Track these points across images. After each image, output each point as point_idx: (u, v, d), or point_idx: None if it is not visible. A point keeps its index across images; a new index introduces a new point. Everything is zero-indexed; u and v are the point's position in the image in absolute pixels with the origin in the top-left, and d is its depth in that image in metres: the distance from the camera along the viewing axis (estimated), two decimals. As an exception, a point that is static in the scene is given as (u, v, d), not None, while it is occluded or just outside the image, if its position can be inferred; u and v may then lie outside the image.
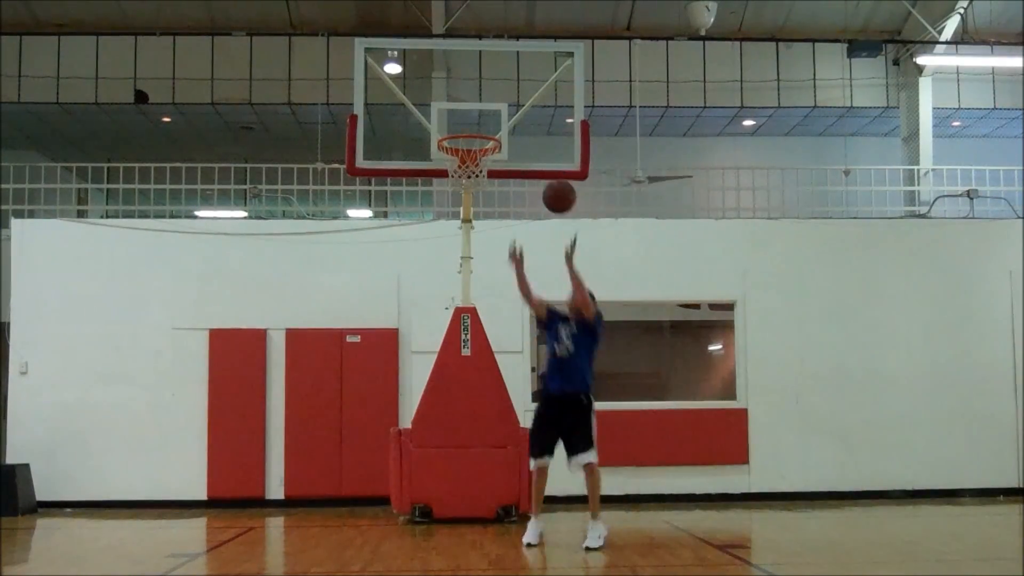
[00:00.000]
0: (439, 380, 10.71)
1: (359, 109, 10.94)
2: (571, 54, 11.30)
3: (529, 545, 8.54)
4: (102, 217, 15.51)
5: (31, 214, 13.84)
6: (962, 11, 16.79)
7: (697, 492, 12.78)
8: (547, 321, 8.99)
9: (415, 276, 12.92)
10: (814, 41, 18.19)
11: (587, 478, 8.55)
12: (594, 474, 8.53)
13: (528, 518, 8.86)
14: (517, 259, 8.87)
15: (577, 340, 8.71)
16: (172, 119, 18.64)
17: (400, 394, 12.77)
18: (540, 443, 8.69)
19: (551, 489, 11.19)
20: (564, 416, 8.60)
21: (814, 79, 18.30)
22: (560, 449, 8.67)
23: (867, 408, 13.14)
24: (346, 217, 15.54)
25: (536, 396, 13.40)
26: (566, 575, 8.11)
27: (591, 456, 8.50)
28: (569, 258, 8.58)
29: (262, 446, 12.72)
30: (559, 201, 9.48)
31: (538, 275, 12.95)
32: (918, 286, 13.52)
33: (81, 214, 15.75)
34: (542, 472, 8.72)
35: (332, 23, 17.98)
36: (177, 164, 15.18)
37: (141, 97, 17.67)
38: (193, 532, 10.86)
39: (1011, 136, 18.80)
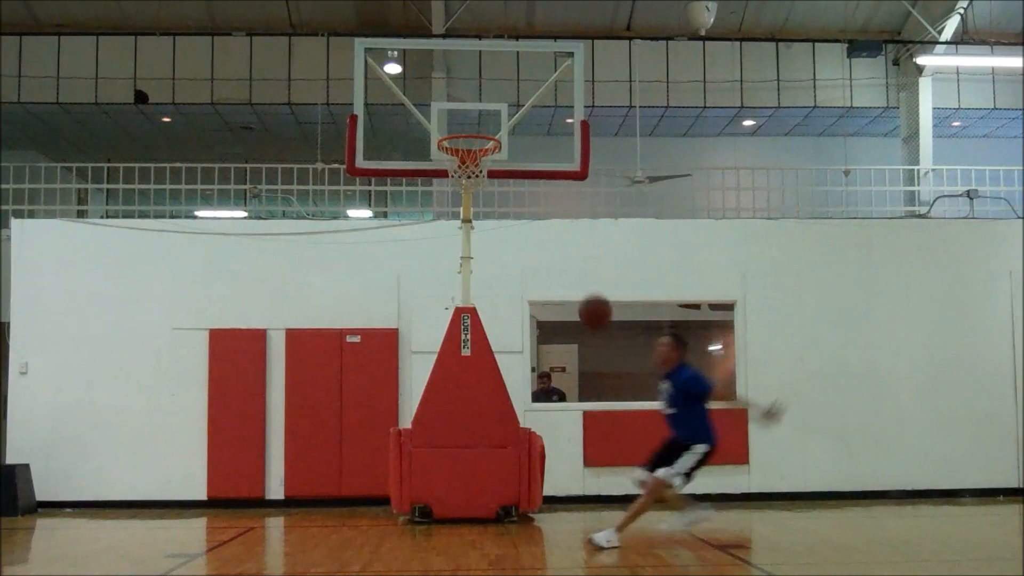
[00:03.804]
0: (439, 380, 10.71)
1: (359, 109, 10.94)
2: (571, 54, 11.29)
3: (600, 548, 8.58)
4: (102, 217, 15.51)
5: (31, 214, 13.83)
6: (962, 11, 16.78)
7: (697, 492, 12.69)
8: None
9: (415, 276, 12.92)
10: (814, 41, 18.18)
11: (644, 490, 8.69)
12: (650, 490, 8.62)
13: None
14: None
15: (675, 399, 8.85)
16: (172, 119, 18.63)
17: (400, 394, 12.76)
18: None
19: (551, 489, 11.28)
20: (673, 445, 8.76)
21: (814, 79, 18.29)
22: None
23: (867, 408, 13.13)
24: (346, 217, 15.54)
25: (536, 397, 13.54)
26: (566, 575, 8.12)
27: (664, 472, 8.58)
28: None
29: (262, 446, 12.71)
30: (594, 319, 9.68)
31: (540, 273, 13.05)
32: (918, 286, 13.52)
33: (81, 214, 15.74)
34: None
35: (332, 23, 17.97)
36: (177, 164, 15.17)
37: (141, 97, 17.66)
38: (193, 532, 10.86)
39: (1011, 136, 18.79)
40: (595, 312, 9.64)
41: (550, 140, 18.04)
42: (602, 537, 8.47)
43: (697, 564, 7.96)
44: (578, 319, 9.74)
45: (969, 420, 13.18)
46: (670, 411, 8.81)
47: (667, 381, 8.86)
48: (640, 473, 8.74)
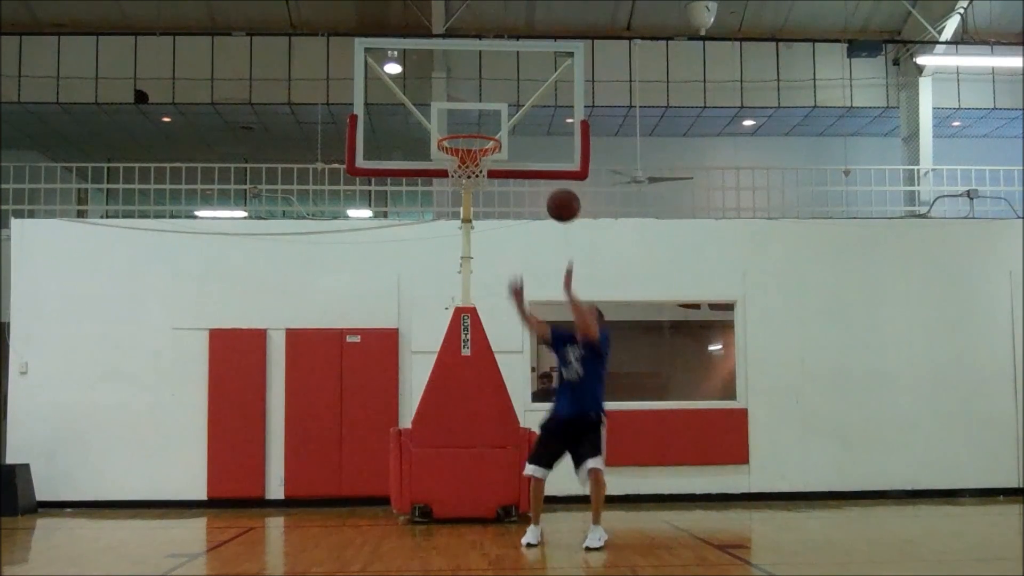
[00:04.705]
0: (439, 380, 10.71)
1: (359, 109, 10.94)
2: (571, 54, 11.30)
3: (529, 545, 8.59)
4: (102, 217, 15.52)
5: (31, 214, 13.84)
6: (962, 11, 16.79)
7: (697, 492, 12.78)
8: (553, 342, 8.99)
9: (415, 276, 12.93)
10: (814, 41, 18.19)
11: (592, 484, 8.54)
12: (599, 481, 8.52)
13: (530, 519, 8.90)
14: (518, 292, 8.87)
15: (585, 362, 8.68)
16: (172, 119, 18.64)
17: (400, 394, 12.77)
18: (543, 455, 8.71)
19: (551, 488, 11.24)
20: (572, 431, 8.63)
21: (814, 79, 18.29)
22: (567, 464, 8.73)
23: (867, 408, 13.14)
24: (346, 217, 15.54)
25: (536, 397, 13.47)
26: (566, 575, 8.12)
27: (597, 462, 8.49)
28: (567, 285, 8.59)
29: (262, 446, 12.72)
30: (563, 209, 9.41)
31: (542, 274, 13.02)
32: (918, 286, 13.52)
33: (81, 214, 15.76)
34: (539, 483, 8.73)
35: (332, 23, 17.98)
36: (177, 164, 15.18)
37: (141, 97, 17.67)
38: (193, 532, 10.86)
39: (1011, 136, 18.79)
40: (562, 202, 9.40)
41: (550, 140, 18.04)
42: (594, 539, 8.46)
43: (697, 564, 7.95)
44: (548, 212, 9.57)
45: (969, 420, 13.18)
46: (577, 378, 8.60)
47: (579, 347, 8.63)
48: (536, 470, 8.63)
